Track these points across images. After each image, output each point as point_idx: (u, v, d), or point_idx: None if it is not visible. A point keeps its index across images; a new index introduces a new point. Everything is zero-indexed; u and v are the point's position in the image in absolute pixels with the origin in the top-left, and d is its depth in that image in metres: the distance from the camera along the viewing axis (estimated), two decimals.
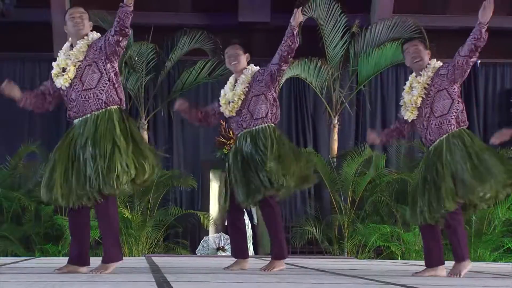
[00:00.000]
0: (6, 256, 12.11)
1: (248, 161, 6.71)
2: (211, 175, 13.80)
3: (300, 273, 6.64)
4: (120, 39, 5.90)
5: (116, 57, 6.03)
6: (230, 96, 6.90)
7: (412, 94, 6.45)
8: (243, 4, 14.62)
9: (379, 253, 13.36)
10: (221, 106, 6.96)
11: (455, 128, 6.33)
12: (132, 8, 6.00)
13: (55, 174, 5.90)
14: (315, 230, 13.34)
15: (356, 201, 13.26)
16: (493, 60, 15.40)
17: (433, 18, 15.01)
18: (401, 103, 6.60)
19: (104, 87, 5.97)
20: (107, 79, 5.99)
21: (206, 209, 13.79)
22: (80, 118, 5.97)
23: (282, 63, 6.76)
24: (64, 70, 6.05)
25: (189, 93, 14.77)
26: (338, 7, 13.79)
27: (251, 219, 13.36)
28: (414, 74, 6.57)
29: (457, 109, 6.34)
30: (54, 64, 6.14)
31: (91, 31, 6.22)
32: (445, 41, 15.21)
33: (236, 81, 6.97)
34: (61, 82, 6.02)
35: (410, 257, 12.72)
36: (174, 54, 14.08)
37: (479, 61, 15.34)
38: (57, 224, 12.73)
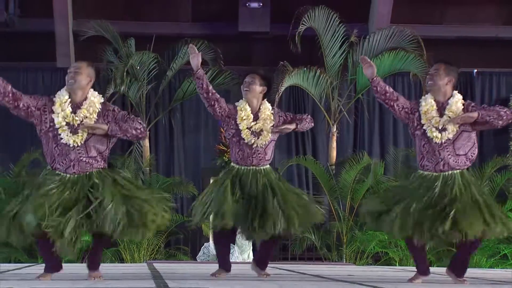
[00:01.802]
0: (9, 262, 12.08)
1: (257, 198, 6.72)
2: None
3: (299, 279, 6.63)
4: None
5: None
6: (258, 126, 6.91)
7: (449, 121, 6.42)
8: (243, 14, 14.61)
9: (377, 260, 13.34)
10: (240, 130, 6.89)
11: (467, 167, 6.46)
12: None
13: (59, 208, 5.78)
14: (314, 237, 13.32)
15: (354, 208, 13.24)
16: (489, 69, 15.40)
17: (430, 28, 15.00)
18: (426, 121, 6.50)
19: (107, 154, 6.07)
20: (109, 148, 6.11)
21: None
22: (78, 175, 5.94)
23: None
24: (67, 124, 5.97)
25: (190, 102, 14.76)
26: (337, 17, 13.79)
27: None
28: (430, 95, 6.54)
29: (474, 153, 6.49)
30: (58, 111, 5.97)
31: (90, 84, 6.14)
32: (442, 50, 15.22)
33: (256, 109, 6.95)
34: (69, 141, 5.96)
35: (408, 263, 12.70)
36: (175, 63, 14.07)
37: (476, 70, 15.33)
38: None
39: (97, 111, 6.03)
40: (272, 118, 6.94)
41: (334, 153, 14.16)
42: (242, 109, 6.91)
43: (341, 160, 13.95)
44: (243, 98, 6.99)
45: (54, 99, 6.05)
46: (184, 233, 13.63)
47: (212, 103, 6.81)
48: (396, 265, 12.68)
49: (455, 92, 6.60)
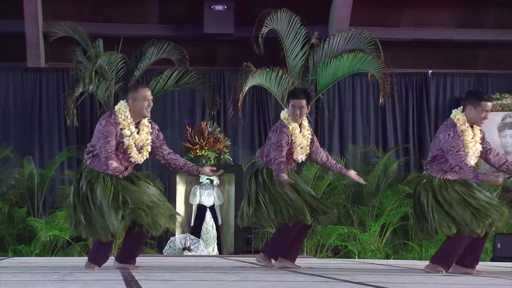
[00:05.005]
0: None
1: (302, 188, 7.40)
2: (178, 179, 13.72)
3: (261, 272, 6.64)
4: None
5: None
6: (305, 142, 7.38)
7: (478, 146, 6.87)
8: (208, 17, 14.61)
9: (337, 253, 13.40)
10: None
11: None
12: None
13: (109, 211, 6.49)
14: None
15: None
16: (443, 70, 15.53)
17: (387, 31, 15.10)
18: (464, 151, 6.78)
19: None
20: None
21: None
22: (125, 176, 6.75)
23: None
24: (135, 144, 6.71)
25: (156, 101, 14.60)
26: (298, 20, 13.81)
27: (215, 220, 13.33)
28: (468, 125, 6.82)
29: None
30: (128, 136, 6.67)
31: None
32: (398, 52, 15.34)
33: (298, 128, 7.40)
34: (139, 159, 6.74)
35: (366, 256, 12.78)
36: (143, 64, 14.03)
37: (430, 71, 15.44)
38: (30, 225, 12.63)
39: (150, 131, 6.80)
40: (310, 134, 7.43)
41: None
42: (294, 127, 7.33)
43: None
44: (292, 118, 7.35)
45: (117, 120, 6.65)
46: None
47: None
48: (355, 258, 12.75)
49: None
